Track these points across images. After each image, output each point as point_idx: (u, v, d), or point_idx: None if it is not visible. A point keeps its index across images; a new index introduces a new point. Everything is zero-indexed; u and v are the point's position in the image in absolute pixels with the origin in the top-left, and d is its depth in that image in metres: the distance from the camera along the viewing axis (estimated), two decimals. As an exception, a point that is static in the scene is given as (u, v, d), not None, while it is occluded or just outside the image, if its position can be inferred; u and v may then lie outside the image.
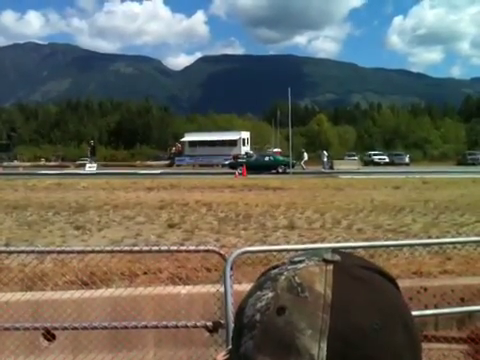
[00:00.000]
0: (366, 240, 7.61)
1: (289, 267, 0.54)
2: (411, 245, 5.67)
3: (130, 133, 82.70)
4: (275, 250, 4.78)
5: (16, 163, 53.28)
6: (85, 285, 5.22)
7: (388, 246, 5.62)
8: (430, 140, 74.42)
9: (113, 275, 5.65)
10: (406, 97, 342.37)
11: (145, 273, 5.91)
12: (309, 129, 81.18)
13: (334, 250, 0.56)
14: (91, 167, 41.51)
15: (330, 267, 0.52)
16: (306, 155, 41.35)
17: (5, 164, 50.67)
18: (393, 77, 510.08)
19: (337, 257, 0.54)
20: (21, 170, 41.07)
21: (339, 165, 40.91)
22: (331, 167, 40.49)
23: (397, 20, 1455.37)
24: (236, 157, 44.02)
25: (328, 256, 0.54)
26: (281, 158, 38.38)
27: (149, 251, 3.96)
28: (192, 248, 4.47)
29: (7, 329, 3.24)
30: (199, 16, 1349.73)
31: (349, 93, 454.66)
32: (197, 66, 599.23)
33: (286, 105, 39.91)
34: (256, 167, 34.47)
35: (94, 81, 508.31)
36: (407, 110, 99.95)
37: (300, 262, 0.54)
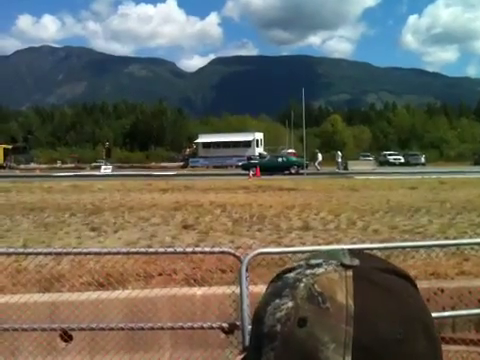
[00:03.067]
0: (382, 241, 7.54)
1: (307, 272, 0.52)
2: (428, 246, 5.60)
3: (145, 135, 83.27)
4: (290, 252, 4.77)
5: (33, 165, 53.96)
6: (101, 286, 5.26)
7: (404, 247, 5.57)
8: (446, 140, 73.52)
9: (129, 276, 5.70)
10: (422, 97, 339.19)
11: (160, 274, 5.94)
12: (323, 130, 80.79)
13: (351, 251, 0.55)
14: (106, 169, 41.90)
15: (349, 273, 0.51)
16: (320, 156, 41.16)
17: (22, 166, 51.39)
18: (408, 77, 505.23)
19: (356, 261, 0.52)
20: (38, 172, 41.61)
21: (354, 166, 40.64)
22: (346, 168, 40.25)
23: (412, 19, 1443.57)
24: (250, 158, 44.04)
25: (347, 260, 0.52)
26: (294, 159, 38.24)
27: (164, 253, 3.98)
28: (207, 250, 4.48)
29: (25, 330, 3.28)
30: (212, 18, 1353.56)
31: (364, 93, 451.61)
32: (211, 68, 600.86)
33: (300, 106, 39.83)
34: (269, 168, 34.40)
35: (109, 84, 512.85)
36: (423, 110, 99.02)
37: (318, 266, 0.53)
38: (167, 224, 10.72)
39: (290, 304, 0.50)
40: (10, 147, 58.25)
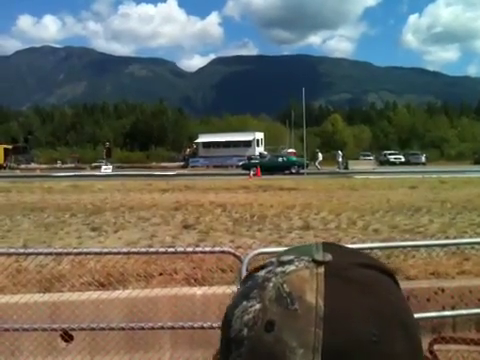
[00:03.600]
0: (383, 241, 7.55)
1: (277, 270, 0.48)
2: (428, 246, 5.61)
3: (145, 135, 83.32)
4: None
5: (33, 165, 54.00)
6: (102, 286, 5.27)
7: (405, 247, 5.57)
8: (447, 139, 73.50)
9: (129, 276, 5.70)
10: (422, 96, 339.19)
11: (161, 274, 5.95)
12: (324, 129, 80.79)
13: (326, 245, 0.51)
14: (106, 169, 41.91)
15: (321, 270, 0.47)
16: (321, 155, 41.19)
17: (22, 166, 51.43)
18: (409, 76, 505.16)
19: (328, 257, 0.48)
20: (38, 172, 41.64)
21: (354, 165, 40.68)
22: (346, 167, 40.28)
23: (412, 18, 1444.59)
24: (250, 158, 44.06)
25: (319, 256, 0.48)
26: (295, 158, 38.33)
27: (165, 252, 3.97)
28: (207, 249, 4.47)
29: (26, 330, 3.28)
30: (213, 18, 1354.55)
31: (364, 92, 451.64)
32: (211, 67, 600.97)
33: (300, 105, 39.85)
34: (269, 168, 34.47)
35: (109, 84, 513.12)
36: (423, 109, 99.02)
37: (289, 263, 0.48)
38: (167, 224, 10.72)
39: (257, 306, 0.46)
40: (10, 147, 58.28)
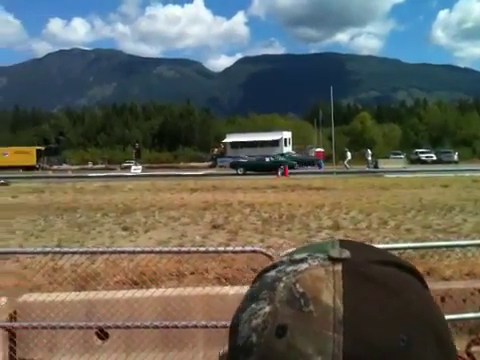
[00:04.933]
0: (416, 241, 7.41)
1: (289, 269, 0.43)
2: (463, 246, 5.47)
3: (173, 135, 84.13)
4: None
5: (65, 166, 55.18)
6: (135, 285, 5.35)
7: (439, 247, 5.46)
8: (479, 137, 71.58)
9: (162, 275, 5.77)
10: (453, 93, 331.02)
11: (192, 273, 6.00)
12: (352, 128, 79.84)
13: (342, 242, 0.45)
14: (136, 169, 42.45)
15: (338, 267, 0.41)
16: (349, 154, 40.70)
17: (55, 167, 52.63)
18: (439, 73, 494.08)
19: (346, 253, 0.42)
20: (70, 173, 42.54)
21: (384, 164, 40.06)
22: (376, 166, 39.70)
23: (442, 14, 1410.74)
24: (238, 158, 44.04)
25: (335, 252, 0.43)
26: (283, 159, 38.89)
27: (197, 252, 4.01)
28: (238, 249, 4.48)
29: (62, 327, 3.36)
30: (239, 17, 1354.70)
31: (393, 90, 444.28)
32: (237, 67, 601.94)
33: (328, 104, 39.56)
34: (256, 168, 35.25)
35: (138, 85, 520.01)
36: (454, 106, 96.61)
37: (302, 261, 0.43)
38: (197, 224, 10.80)
39: (267, 309, 0.41)
40: (43, 149, 59.76)
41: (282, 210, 12.47)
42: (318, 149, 50.55)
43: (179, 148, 76.40)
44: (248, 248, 4.69)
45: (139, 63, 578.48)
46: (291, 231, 9.41)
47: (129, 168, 44.75)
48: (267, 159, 37.61)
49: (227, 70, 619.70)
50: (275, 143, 52.47)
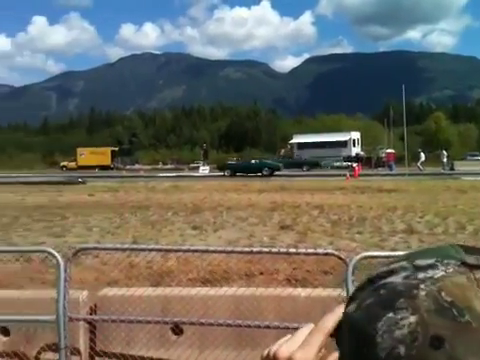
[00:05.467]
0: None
1: (420, 275, 0.41)
2: None
3: (239, 136, 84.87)
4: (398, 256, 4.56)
5: (137, 167, 57.33)
6: (207, 282, 5.45)
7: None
8: None
9: (232, 274, 5.84)
10: None
11: (262, 274, 6.03)
12: (425, 128, 76.44)
13: (462, 246, 0.43)
14: (204, 170, 43.24)
15: (479, 275, 0.40)
16: (423, 155, 39.02)
17: (128, 167, 54.85)
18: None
19: None
20: (142, 173, 44.15)
21: (461, 166, 38.03)
22: (452, 168, 37.77)
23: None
24: (228, 161, 45.34)
25: (471, 259, 0.41)
26: (270, 162, 40.34)
27: (268, 252, 4.01)
28: (310, 251, 4.43)
29: (140, 322, 3.49)
30: (306, 17, 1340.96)
31: (469, 88, 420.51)
32: (304, 67, 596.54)
33: (399, 103, 38.18)
34: (242, 170, 36.41)
35: (205, 87, 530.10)
36: None
37: (431, 268, 0.41)
38: (265, 224, 10.82)
39: (412, 319, 0.39)
40: (117, 149, 62.61)
41: (352, 212, 12.20)
42: (389, 150, 48.88)
43: (246, 149, 76.93)
44: (321, 250, 4.63)
45: (207, 65, 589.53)
46: (362, 234, 9.18)
47: (197, 168, 45.69)
48: (253, 161, 39.21)
49: (294, 70, 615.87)
50: (343, 144, 51.37)
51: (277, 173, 35.71)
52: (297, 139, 55.87)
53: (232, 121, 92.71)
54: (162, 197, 17.26)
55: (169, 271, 5.80)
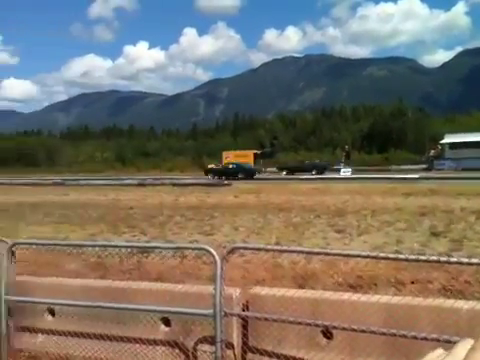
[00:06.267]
0: None
1: None
2: None
3: (383, 137, 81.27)
4: None
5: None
6: (352, 288, 5.32)
7: None
8: None
9: (379, 281, 5.61)
10: None
11: (412, 282, 5.68)
12: None
13: None
14: (346, 172, 42.38)
15: None
16: None
17: (269, 169, 56.21)
18: None
19: None
20: (283, 175, 44.89)
21: None
22: None
23: None
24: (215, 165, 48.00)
25: None
26: (248, 167, 45.23)
27: (416, 260, 3.78)
28: (465, 260, 4.02)
29: (290, 323, 3.53)
30: (459, 8, 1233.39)
31: None
32: (457, 60, 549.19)
33: None
34: (223, 174, 39.24)
35: (347, 87, 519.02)
36: None
37: None
38: (414, 230, 10.19)
39: None
40: (259, 152, 64.63)
41: (517, 219, 10.88)
42: None
43: (390, 150, 73.44)
44: (474, 260, 4.19)
45: (348, 65, 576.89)
46: None
47: (338, 171, 44.93)
48: (230, 166, 42.78)
49: (445, 64, 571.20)
50: (504, 143, 46.08)
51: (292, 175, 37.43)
52: (449, 139, 51.61)
53: (375, 121, 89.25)
54: (304, 199, 17.31)
55: (313, 273, 5.78)
